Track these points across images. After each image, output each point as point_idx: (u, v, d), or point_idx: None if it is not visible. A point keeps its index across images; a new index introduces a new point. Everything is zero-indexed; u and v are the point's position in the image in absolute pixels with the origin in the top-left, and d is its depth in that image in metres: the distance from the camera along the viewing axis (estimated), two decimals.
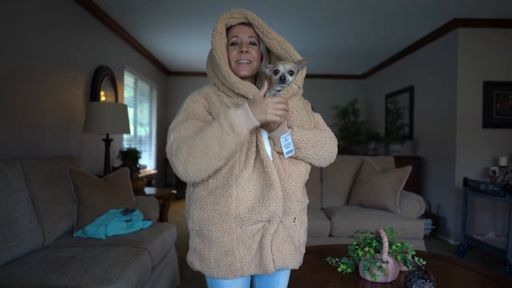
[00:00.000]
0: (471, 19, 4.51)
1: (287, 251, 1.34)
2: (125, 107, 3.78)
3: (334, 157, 1.42)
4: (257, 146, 1.33)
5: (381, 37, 5.40)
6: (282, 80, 1.29)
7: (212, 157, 1.18)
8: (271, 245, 1.31)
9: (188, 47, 6.10)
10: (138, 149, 5.11)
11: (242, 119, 1.18)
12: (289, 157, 1.34)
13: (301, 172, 1.37)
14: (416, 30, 5.01)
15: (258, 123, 1.20)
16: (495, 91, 4.61)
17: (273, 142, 1.33)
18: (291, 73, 1.30)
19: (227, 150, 1.19)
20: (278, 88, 1.32)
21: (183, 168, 1.20)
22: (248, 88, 1.32)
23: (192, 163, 1.19)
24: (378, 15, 4.45)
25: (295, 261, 1.37)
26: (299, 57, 1.34)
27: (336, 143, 1.42)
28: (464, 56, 4.62)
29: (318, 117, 1.45)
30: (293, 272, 1.56)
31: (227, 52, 1.38)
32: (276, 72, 1.31)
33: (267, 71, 1.36)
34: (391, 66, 6.77)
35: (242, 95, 1.34)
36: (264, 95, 1.24)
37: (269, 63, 1.45)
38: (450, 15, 4.45)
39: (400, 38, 5.43)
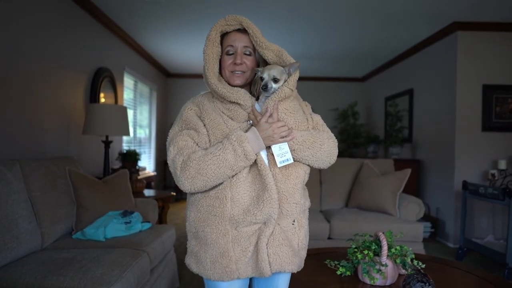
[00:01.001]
0: (471, 22, 4.52)
1: (284, 254, 1.32)
2: (124, 109, 3.78)
3: (334, 158, 1.41)
4: None
5: (381, 40, 5.41)
6: (264, 88, 1.30)
7: (221, 176, 1.27)
8: (267, 248, 1.30)
9: (188, 49, 6.11)
10: (137, 151, 5.11)
11: (254, 146, 1.27)
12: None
13: (299, 174, 1.37)
14: (416, 33, 5.02)
15: (265, 147, 1.30)
16: (494, 94, 4.61)
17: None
18: (275, 80, 1.30)
19: (236, 171, 1.28)
20: (267, 94, 1.33)
21: (189, 183, 1.27)
22: (238, 94, 1.33)
23: (201, 180, 1.26)
24: (378, 18, 4.47)
25: (293, 264, 1.35)
26: (292, 60, 1.34)
27: (336, 144, 1.41)
28: (464, 59, 4.63)
29: (317, 118, 1.45)
30: (292, 274, 1.56)
31: (222, 60, 1.39)
32: (262, 78, 1.32)
33: (258, 74, 1.37)
34: (390, 68, 6.78)
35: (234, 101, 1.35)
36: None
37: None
38: (450, 18, 4.46)
39: (400, 41, 5.44)
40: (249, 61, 1.38)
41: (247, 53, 1.38)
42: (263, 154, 1.33)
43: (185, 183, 1.27)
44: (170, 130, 1.40)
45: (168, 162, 1.33)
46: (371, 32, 5.02)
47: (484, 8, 4.11)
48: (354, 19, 4.54)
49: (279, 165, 1.31)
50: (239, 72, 1.37)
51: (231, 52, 1.38)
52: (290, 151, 1.31)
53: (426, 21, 4.56)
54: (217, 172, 1.25)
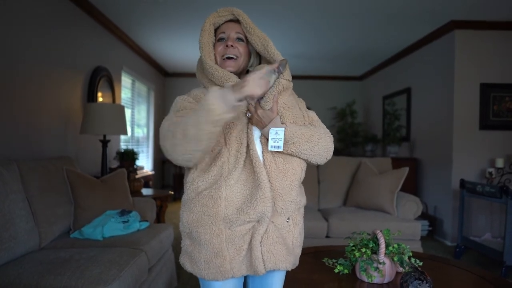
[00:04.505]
0: (468, 21, 4.53)
1: (278, 252, 1.32)
2: (122, 108, 3.78)
3: (331, 153, 1.40)
4: (247, 146, 1.32)
5: (378, 39, 5.41)
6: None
7: (191, 140, 1.15)
8: (261, 246, 1.30)
9: (185, 48, 6.11)
10: (135, 150, 5.10)
11: (216, 97, 1.13)
12: (283, 154, 1.33)
13: (296, 171, 1.35)
14: (413, 32, 5.03)
15: (233, 101, 1.13)
16: (491, 92, 4.63)
17: (266, 139, 1.32)
18: None
19: (203, 131, 1.13)
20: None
21: (171, 150, 1.19)
22: (234, 81, 1.32)
23: (176, 146, 1.17)
24: (375, 17, 4.47)
25: (287, 262, 1.35)
26: (278, 55, 1.33)
27: (332, 139, 1.41)
28: (461, 58, 4.64)
29: (312, 114, 1.45)
30: (289, 273, 1.56)
31: (215, 47, 1.40)
32: None
33: None
34: (388, 67, 6.78)
35: None
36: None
37: (260, 61, 1.46)
38: (447, 17, 4.47)
39: (398, 40, 5.45)
40: (241, 47, 1.39)
41: (239, 38, 1.39)
42: (259, 150, 1.32)
43: (168, 151, 1.20)
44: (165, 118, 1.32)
45: (160, 137, 1.25)
46: (368, 31, 5.02)
47: (481, 6, 4.12)
48: (351, 18, 4.54)
49: (269, 149, 1.29)
50: (231, 56, 1.37)
51: (223, 38, 1.39)
52: (289, 144, 1.29)
53: (423, 20, 4.57)
54: (185, 134, 1.15)
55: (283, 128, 1.29)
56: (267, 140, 1.31)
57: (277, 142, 1.28)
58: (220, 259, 1.29)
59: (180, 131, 1.15)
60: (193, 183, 1.31)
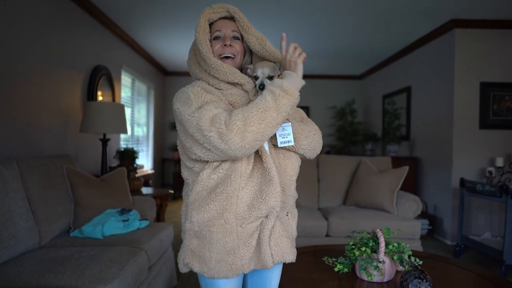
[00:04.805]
0: (468, 19, 4.53)
1: (284, 245, 1.36)
2: (122, 107, 3.77)
3: (321, 148, 1.46)
4: None
5: (378, 38, 5.41)
6: (261, 88, 1.30)
7: (269, 123, 1.18)
8: (269, 240, 1.32)
9: (185, 47, 6.09)
10: (135, 149, 5.10)
11: (291, 82, 1.24)
12: (282, 150, 1.36)
13: (294, 166, 1.40)
14: (413, 30, 5.03)
15: (302, 80, 1.27)
16: (491, 91, 4.63)
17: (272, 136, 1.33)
18: (270, 77, 1.31)
19: (282, 114, 1.20)
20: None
21: (240, 139, 1.16)
22: (239, 75, 1.33)
23: (249, 132, 1.16)
24: (375, 15, 4.47)
25: (292, 254, 1.40)
26: (277, 53, 1.35)
27: (321, 134, 1.46)
28: (461, 56, 4.64)
29: (301, 111, 1.50)
30: (289, 272, 1.57)
31: (211, 46, 1.39)
32: (256, 77, 1.32)
33: (249, 72, 1.37)
34: (388, 66, 6.78)
35: (236, 82, 1.34)
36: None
37: (251, 59, 1.47)
38: (448, 16, 4.47)
39: (398, 39, 5.45)
40: (238, 46, 1.39)
41: (235, 37, 1.39)
42: (266, 146, 1.34)
43: (235, 139, 1.15)
44: (184, 111, 1.25)
45: (202, 127, 1.18)
46: (368, 30, 5.02)
47: (482, 5, 4.11)
48: (351, 16, 4.54)
49: (279, 145, 1.32)
50: (228, 55, 1.37)
51: (219, 37, 1.38)
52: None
53: (423, 19, 4.57)
54: (263, 118, 1.17)
55: (290, 123, 1.32)
56: (272, 136, 1.33)
57: (286, 137, 1.32)
58: (232, 257, 1.29)
59: (255, 118, 1.17)
60: (206, 180, 1.29)
